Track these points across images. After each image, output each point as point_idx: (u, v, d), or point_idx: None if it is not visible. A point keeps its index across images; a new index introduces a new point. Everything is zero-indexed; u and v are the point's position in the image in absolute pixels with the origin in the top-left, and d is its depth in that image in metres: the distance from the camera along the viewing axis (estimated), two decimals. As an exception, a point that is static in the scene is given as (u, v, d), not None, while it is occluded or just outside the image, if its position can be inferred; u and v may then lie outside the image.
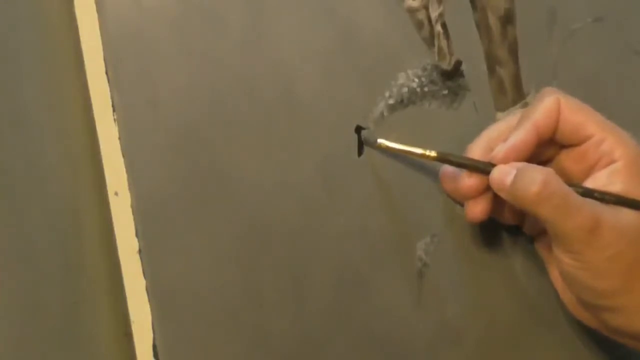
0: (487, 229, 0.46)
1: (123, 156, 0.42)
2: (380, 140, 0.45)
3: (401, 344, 0.46)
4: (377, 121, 0.47)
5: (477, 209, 0.44)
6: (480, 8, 0.50)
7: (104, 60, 0.43)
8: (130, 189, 0.42)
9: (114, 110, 0.43)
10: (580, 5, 0.52)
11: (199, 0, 0.44)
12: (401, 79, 0.47)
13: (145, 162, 0.42)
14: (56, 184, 0.42)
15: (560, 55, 0.51)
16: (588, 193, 0.42)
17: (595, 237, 0.40)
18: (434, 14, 0.48)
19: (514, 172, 0.42)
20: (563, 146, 0.45)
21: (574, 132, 0.44)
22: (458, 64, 0.49)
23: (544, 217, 0.41)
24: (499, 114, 0.49)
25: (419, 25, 0.48)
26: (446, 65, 0.48)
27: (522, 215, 0.46)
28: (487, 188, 0.44)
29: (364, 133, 0.46)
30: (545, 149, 0.45)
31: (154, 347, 0.41)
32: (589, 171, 0.44)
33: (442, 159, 0.45)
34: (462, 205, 0.47)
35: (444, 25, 0.48)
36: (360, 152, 0.46)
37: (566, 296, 0.45)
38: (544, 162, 0.45)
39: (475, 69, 0.49)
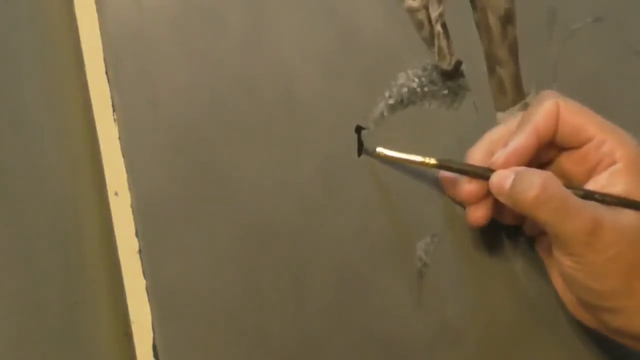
0: (487, 230, 0.46)
1: (123, 156, 0.42)
2: (379, 149, 0.45)
3: (401, 344, 0.46)
4: (377, 121, 0.47)
5: (479, 214, 0.44)
6: (480, 8, 0.50)
7: (104, 60, 0.43)
8: (130, 189, 0.42)
9: (114, 110, 0.43)
10: (580, 5, 0.52)
11: (199, 0, 0.44)
12: (401, 79, 0.47)
13: (145, 162, 0.42)
14: (56, 184, 0.42)
15: (560, 55, 0.51)
16: (588, 195, 0.42)
17: (595, 239, 0.40)
18: (434, 14, 0.48)
19: (512, 176, 0.42)
20: (563, 149, 0.45)
21: (574, 135, 0.44)
22: (458, 64, 0.49)
23: (543, 221, 0.41)
24: (499, 114, 0.49)
25: (419, 25, 0.48)
26: (446, 65, 0.48)
27: (522, 216, 0.46)
28: (488, 193, 0.44)
29: (363, 136, 0.46)
30: (545, 152, 0.45)
31: (154, 347, 0.41)
32: (590, 173, 0.44)
33: (442, 165, 0.45)
34: (462, 205, 0.47)
35: (444, 25, 0.48)
36: (360, 152, 0.46)
37: (566, 297, 0.45)
38: (544, 165, 0.45)
39: (475, 69, 0.49)
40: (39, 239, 0.41)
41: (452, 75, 0.48)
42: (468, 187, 0.44)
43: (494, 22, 0.50)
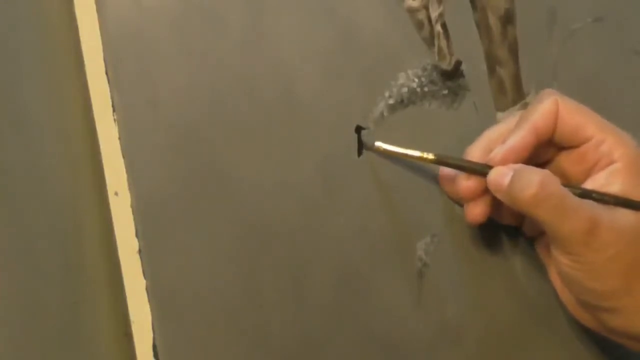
0: (487, 229, 0.46)
1: (123, 156, 0.42)
2: (378, 143, 0.45)
3: (401, 344, 0.46)
4: (377, 121, 0.47)
5: (477, 211, 0.44)
6: (480, 8, 0.50)
7: (104, 60, 0.43)
8: (130, 189, 0.42)
9: (114, 110, 0.43)
10: (580, 5, 0.52)
11: (199, 0, 0.44)
12: (401, 79, 0.47)
13: (145, 162, 0.42)
14: (56, 184, 0.42)
15: (560, 55, 0.51)
16: (586, 194, 0.42)
17: (593, 239, 0.40)
18: (434, 14, 0.48)
19: (510, 173, 0.42)
20: (562, 148, 0.45)
21: (573, 134, 0.44)
22: (458, 64, 0.49)
23: (541, 219, 0.41)
24: (499, 114, 0.49)
25: (419, 25, 0.48)
26: (446, 65, 0.48)
27: (521, 216, 0.46)
28: (486, 190, 0.44)
29: (363, 134, 0.46)
30: (544, 151, 0.45)
31: (154, 347, 0.41)
32: (589, 172, 0.44)
33: (440, 161, 0.45)
34: (461, 205, 0.47)
35: (444, 25, 0.48)
36: (360, 152, 0.46)
37: (565, 297, 0.45)
38: (543, 164, 0.45)
39: (475, 69, 0.49)
40: (39, 239, 0.41)
41: (452, 75, 0.48)
42: (466, 183, 0.44)
43: (494, 22, 0.50)
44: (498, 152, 0.43)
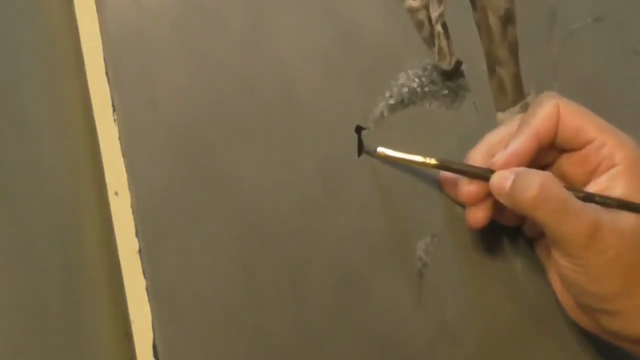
0: (487, 230, 0.46)
1: (123, 156, 0.42)
2: (380, 149, 0.45)
3: (401, 344, 0.46)
4: (377, 121, 0.47)
5: (478, 215, 0.44)
6: (480, 8, 0.50)
7: (104, 60, 0.43)
8: (130, 189, 0.42)
9: (114, 110, 0.43)
10: (580, 5, 0.52)
11: (199, 0, 0.44)
12: (401, 79, 0.47)
13: (145, 162, 0.42)
14: (56, 184, 0.42)
15: (560, 55, 0.51)
16: (589, 197, 0.42)
17: (594, 242, 0.40)
18: (434, 14, 0.48)
19: (512, 176, 0.42)
20: (564, 150, 0.45)
21: (574, 137, 0.44)
22: (458, 64, 0.49)
23: (542, 221, 0.41)
24: (500, 114, 0.49)
25: (419, 25, 0.48)
26: (446, 65, 0.48)
27: (522, 217, 0.46)
28: (488, 194, 0.44)
29: (363, 134, 0.46)
30: (545, 154, 0.45)
31: (154, 347, 0.41)
32: (590, 175, 0.44)
33: (442, 166, 0.45)
34: (462, 205, 0.47)
35: (444, 25, 0.48)
36: (360, 152, 0.46)
37: (565, 299, 0.45)
38: (545, 167, 0.45)
39: (475, 69, 0.49)
40: (39, 239, 0.41)
41: (452, 75, 0.48)
42: (468, 188, 0.44)
43: (494, 22, 0.50)
44: (500, 157, 0.43)
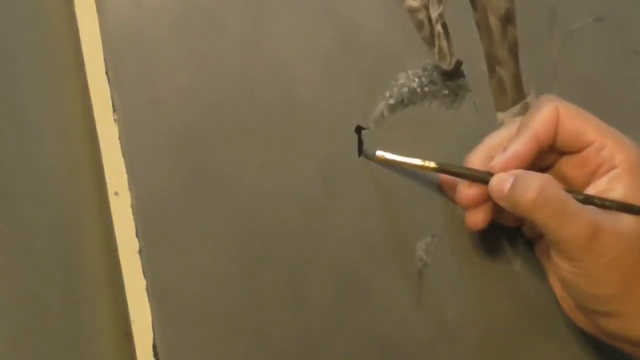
0: (487, 230, 0.46)
1: (123, 156, 0.42)
2: (379, 153, 0.45)
3: (401, 344, 0.46)
4: (377, 121, 0.47)
5: (478, 218, 0.44)
6: (480, 8, 0.50)
7: (104, 60, 0.43)
8: (130, 189, 0.42)
9: (114, 110, 0.43)
10: (580, 5, 0.52)
11: (199, 0, 0.44)
12: (401, 79, 0.47)
13: (145, 162, 0.42)
14: (56, 184, 0.42)
15: (560, 55, 0.51)
16: (589, 200, 0.42)
17: (593, 244, 0.40)
18: (434, 14, 0.48)
19: (511, 179, 0.42)
20: (564, 153, 0.45)
21: (574, 139, 0.43)
22: (458, 64, 0.49)
23: (541, 224, 0.41)
24: (499, 114, 0.49)
25: (419, 25, 0.48)
26: (446, 65, 0.48)
27: (522, 218, 0.46)
28: (487, 197, 0.44)
29: (363, 134, 0.46)
30: (545, 156, 0.45)
31: (154, 347, 0.41)
32: (591, 177, 0.44)
33: (441, 169, 0.45)
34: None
35: (444, 25, 0.48)
36: (360, 152, 0.46)
37: (564, 301, 0.45)
38: (545, 169, 0.45)
39: (475, 69, 0.49)
40: (39, 239, 0.41)
41: (452, 75, 0.48)
42: (467, 192, 0.44)
43: (494, 22, 0.50)
44: (499, 160, 0.43)
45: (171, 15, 0.44)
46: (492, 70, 0.49)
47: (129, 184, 0.42)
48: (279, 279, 0.44)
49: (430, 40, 0.48)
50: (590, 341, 0.48)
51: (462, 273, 0.47)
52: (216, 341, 0.42)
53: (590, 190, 0.43)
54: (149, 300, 0.42)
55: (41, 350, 0.40)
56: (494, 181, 0.43)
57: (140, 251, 0.42)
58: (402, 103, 0.47)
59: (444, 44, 0.48)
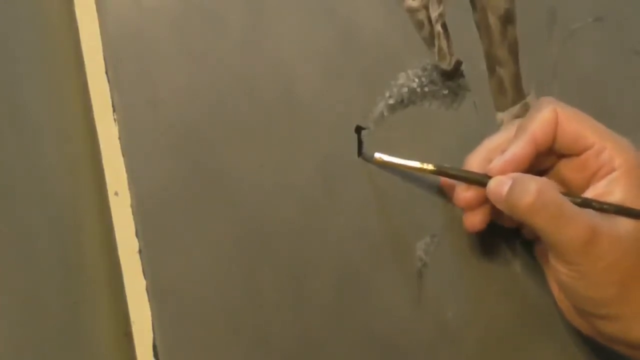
0: (487, 230, 0.46)
1: (123, 156, 0.42)
2: (377, 155, 0.45)
3: (401, 344, 0.46)
4: (377, 121, 0.47)
5: (475, 219, 0.44)
6: (480, 8, 0.50)
7: (104, 60, 0.43)
8: (130, 189, 0.42)
9: (114, 110, 0.43)
10: (580, 5, 0.52)
11: (199, 0, 0.44)
12: (401, 79, 0.47)
13: (145, 162, 0.42)
14: (56, 184, 0.42)
15: (560, 55, 0.51)
16: (586, 203, 0.42)
17: (591, 248, 0.40)
18: (434, 14, 0.48)
19: (509, 182, 0.42)
20: (562, 155, 0.45)
21: (573, 143, 0.43)
22: (458, 64, 0.49)
23: (539, 227, 0.41)
24: (499, 114, 0.49)
25: (419, 25, 0.48)
26: (446, 65, 0.48)
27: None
28: (485, 199, 0.44)
29: (363, 134, 0.46)
30: (544, 159, 0.45)
31: (154, 347, 0.41)
32: (590, 180, 0.43)
33: (439, 172, 0.45)
34: (462, 205, 0.47)
35: (444, 25, 0.48)
36: (360, 152, 0.46)
37: (563, 303, 0.45)
38: (543, 172, 0.45)
39: (475, 69, 0.49)
40: (39, 239, 0.41)
41: (452, 75, 0.48)
42: (464, 194, 0.44)
43: (494, 22, 0.50)
44: (497, 163, 0.43)
45: (171, 15, 0.44)
46: (492, 70, 0.50)
47: (129, 184, 0.42)
48: (279, 279, 0.44)
49: (430, 40, 0.48)
50: (590, 341, 0.48)
51: (461, 273, 0.47)
52: (216, 341, 0.42)
53: (589, 194, 0.43)
54: (149, 300, 0.42)
55: (41, 350, 0.40)
56: (491, 184, 0.43)
57: (140, 251, 0.42)
58: (402, 103, 0.47)
59: (444, 44, 0.48)
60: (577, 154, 0.44)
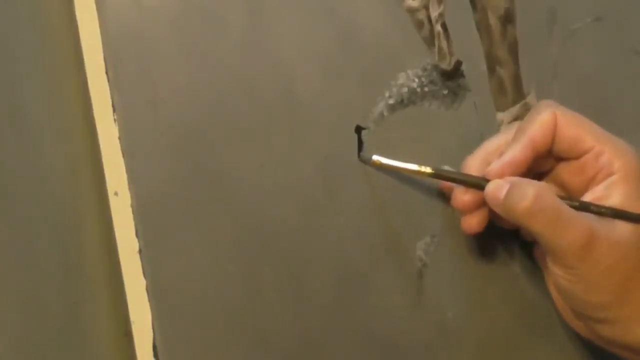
0: (486, 231, 0.46)
1: (123, 156, 0.42)
2: (375, 158, 0.45)
3: (401, 344, 0.46)
4: (377, 121, 0.47)
5: (473, 222, 0.44)
6: (480, 8, 0.50)
7: (104, 60, 0.43)
8: (130, 189, 0.42)
9: (114, 110, 0.43)
10: (580, 5, 0.52)
11: (199, 0, 0.44)
12: (401, 79, 0.47)
13: (145, 162, 0.42)
14: (56, 184, 0.42)
15: (560, 55, 0.51)
16: (584, 207, 0.42)
17: (589, 252, 0.40)
18: (434, 14, 0.48)
19: (507, 186, 0.42)
20: (561, 159, 0.45)
21: (572, 146, 0.43)
22: (458, 64, 0.49)
23: (536, 231, 0.41)
24: (499, 114, 0.49)
25: (419, 25, 0.48)
26: (446, 65, 0.48)
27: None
28: (483, 202, 0.44)
29: (363, 134, 0.46)
30: (543, 162, 0.44)
31: (154, 347, 0.41)
32: (588, 183, 0.43)
33: (437, 175, 0.45)
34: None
35: (444, 25, 0.48)
36: (360, 152, 0.46)
37: (561, 306, 0.45)
38: (542, 175, 0.45)
39: (475, 69, 0.49)
40: (39, 239, 0.41)
41: (452, 75, 0.48)
42: (462, 197, 0.44)
43: (494, 22, 0.50)
44: (495, 166, 0.43)
45: (171, 15, 0.44)
46: (492, 70, 0.49)
47: (129, 184, 0.42)
48: (279, 279, 0.44)
49: (430, 40, 0.48)
50: (589, 343, 0.48)
51: (461, 273, 0.47)
52: (216, 341, 0.42)
53: (588, 197, 0.43)
54: (149, 300, 0.42)
55: (41, 350, 0.40)
56: (489, 187, 0.43)
57: (140, 251, 0.42)
58: (402, 103, 0.47)
59: (444, 43, 0.48)
60: (576, 157, 0.44)
